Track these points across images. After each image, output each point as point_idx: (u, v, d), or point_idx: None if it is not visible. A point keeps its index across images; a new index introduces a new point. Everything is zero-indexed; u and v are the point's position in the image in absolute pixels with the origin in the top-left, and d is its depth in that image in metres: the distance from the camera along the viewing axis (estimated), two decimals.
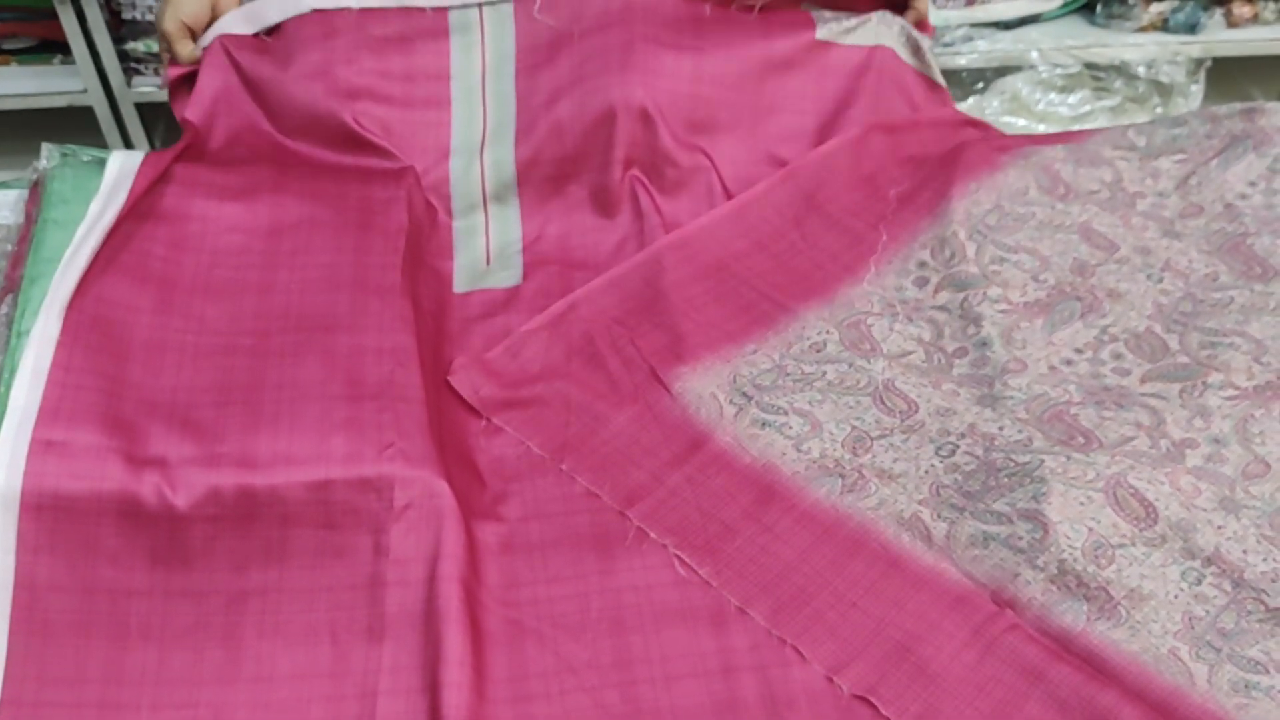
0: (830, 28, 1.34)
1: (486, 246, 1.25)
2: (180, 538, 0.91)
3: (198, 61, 1.28)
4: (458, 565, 0.91)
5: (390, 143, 1.25)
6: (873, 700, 0.88)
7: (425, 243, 1.22)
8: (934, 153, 1.33)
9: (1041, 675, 0.88)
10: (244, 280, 1.09)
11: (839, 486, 1.00)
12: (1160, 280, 1.14)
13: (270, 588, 0.92)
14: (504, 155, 1.28)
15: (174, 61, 1.30)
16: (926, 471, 1.01)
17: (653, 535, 0.98)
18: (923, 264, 1.18)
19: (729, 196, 1.26)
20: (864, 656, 0.90)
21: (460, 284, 1.22)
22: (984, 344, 1.09)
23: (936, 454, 1.02)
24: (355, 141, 1.25)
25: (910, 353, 1.11)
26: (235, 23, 1.29)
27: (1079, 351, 1.09)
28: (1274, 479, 0.97)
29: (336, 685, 0.89)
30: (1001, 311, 1.11)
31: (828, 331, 1.13)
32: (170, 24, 1.28)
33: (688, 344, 1.11)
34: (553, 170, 1.27)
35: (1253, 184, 1.20)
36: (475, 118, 1.30)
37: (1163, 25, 2.09)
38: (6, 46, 2.04)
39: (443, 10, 1.30)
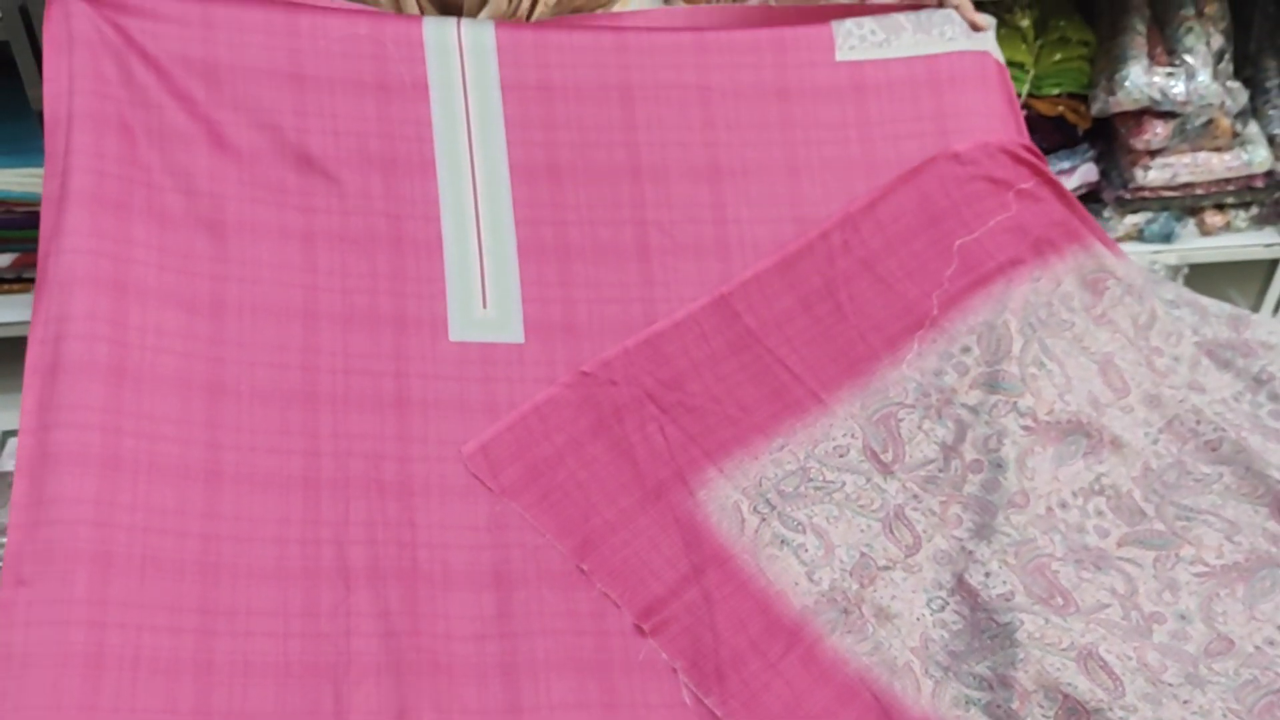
0: (854, 45, 1.24)
1: (483, 285, 1.15)
2: None
3: None
4: None
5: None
6: None
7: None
8: (1009, 182, 1.24)
9: None
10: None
11: (841, 624, 1.01)
12: (1156, 442, 1.16)
13: None
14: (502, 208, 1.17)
15: None
16: (918, 619, 1.03)
17: (664, 656, 0.99)
18: (967, 349, 1.17)
19: (750, 251, 1.19)
20: None
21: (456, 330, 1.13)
22: (999, 466, 1.09)
23: (927, 605, 1.04)
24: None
25: (930, 461, 1.11)
26: None
27: (1074, 495, 1.11)
28: (1237, 656, 1.00)
29: None
30: (1024, 429, 1.12)
31: (853, 435, 1.13)
32: None
33: (717, 437, 1.10)
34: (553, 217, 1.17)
35: (1237, 397, 1.21)
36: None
37: (1139, 235, 2.18)
38: (26, 275, 2.11)
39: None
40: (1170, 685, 0.96)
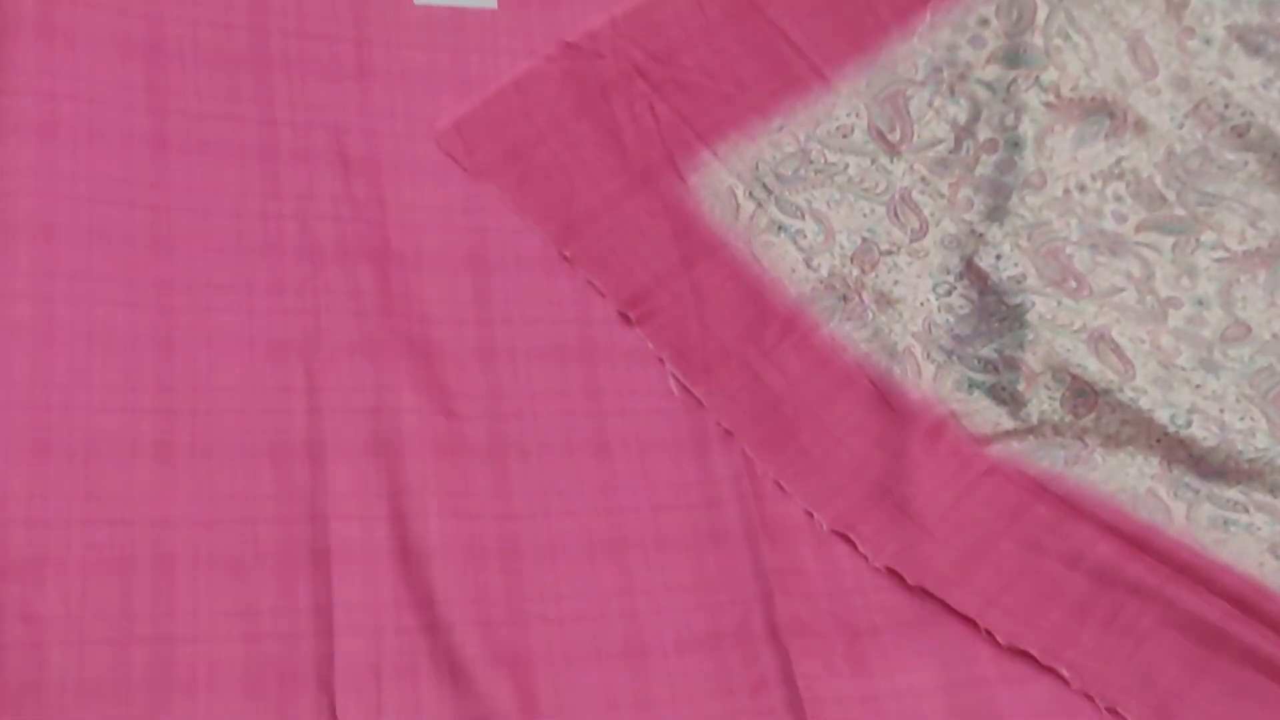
0: None
1: None
2: None
3: None
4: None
5: None
6: (850, 536, 0.88)
7: None
8: None
9: (1017, 516, 0.89)
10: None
11: (840, 310, 0.98)
12: (1181, 126, 1.09)
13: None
14: None
15: None
16: (922, 304, 0.99)
17: (651, 347, 0.95)
18: (984, 21, 1.09)
19: None
20: (844, 493, 0.90)
21: None
22: (1016, 145, 1.04)
23: (933, 290, 1.00)
24: None
25: (940, 142, 1.05)
26: None
27: (1093, 179, 1.06)
28: (1253, 342, 0.98)
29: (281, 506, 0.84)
30: (1045, 105, 1.05)
31: (858, 114, 1.06)
32: None
33: (712, 118, 1.03)
34: None
35: (1267, 84, 1.13)
36: None
37: None
38: None
39: None
40: (1183, 369, 0.95)
